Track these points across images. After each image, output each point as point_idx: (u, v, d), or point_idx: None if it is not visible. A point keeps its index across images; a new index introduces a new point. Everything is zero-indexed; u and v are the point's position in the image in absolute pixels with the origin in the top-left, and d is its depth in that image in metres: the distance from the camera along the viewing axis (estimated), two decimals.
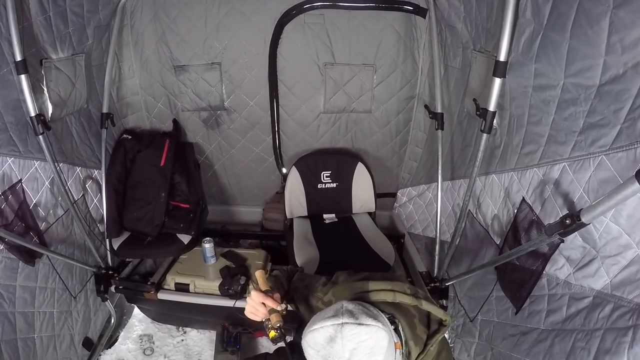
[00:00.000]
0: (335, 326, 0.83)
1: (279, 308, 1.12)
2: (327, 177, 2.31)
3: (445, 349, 1.04)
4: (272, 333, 1.12)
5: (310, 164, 2.29)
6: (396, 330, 0.94)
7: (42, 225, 1.62)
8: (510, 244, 1.35)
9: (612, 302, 0.93)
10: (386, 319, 0.89)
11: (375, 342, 0.82)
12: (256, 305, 1.12)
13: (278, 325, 1.11)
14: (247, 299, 1.14)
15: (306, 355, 0.88)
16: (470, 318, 1.67)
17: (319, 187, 2.31)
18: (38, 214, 1.60)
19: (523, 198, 1.28)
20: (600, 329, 0.94)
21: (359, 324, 0.82)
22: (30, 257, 1.53)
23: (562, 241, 1.04)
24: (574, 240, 1.04)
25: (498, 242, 1.46)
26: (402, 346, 0.93)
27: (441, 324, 0.99)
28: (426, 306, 0.98)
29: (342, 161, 2.32)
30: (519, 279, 1.29)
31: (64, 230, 1.77)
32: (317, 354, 0.84)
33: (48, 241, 1.66)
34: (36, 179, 1.58)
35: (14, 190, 1.45)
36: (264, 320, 1.13)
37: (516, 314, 1.33)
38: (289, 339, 1.15)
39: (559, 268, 1.12)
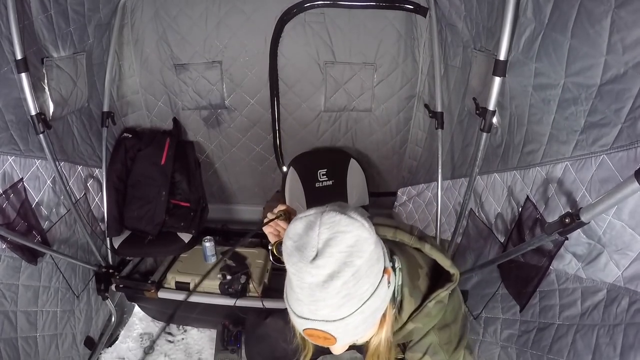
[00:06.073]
0: (317, 214, 0.72)
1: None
2: (323, 175, 2.31)
3: (456, 315, 0.92)
4: None
5: (306, 163, 2.29)
6: (393, 267, 0.81)
7: (45, 224, 1.62)
8: (515, 242, 1.34)
9: (627, 295, 0.92)
10: (373, 227, 0.74)
11: (355, 241, 0.69)
12: (274, 224, 1.07)
13: None
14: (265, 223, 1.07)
15: (284, 248, 0.75)
16: (473, 316, 1.67)
17: (317, 185, 2.30)
18: (41, 212, 1.60)
19: (527, 196, 1.27)
20: (620, 324, 0.93)
21: (342, 213, 0.71)
22: (32, 256, 1.53)
23: (567, 238, 1.03)
24: (578, 237, 1.03)
25: (502, 240, 1.45)
26: (394, 275, 0.81)
27: (447, 280, 0.86)
28: (430, 251, 0.85)
29: (335, 159, 2.33)
30: (524, 276, 1.29)
31: (67, 229, 1.77)
32: (293, 244, 0.72)
33: (51, 240, 1.65)
34: (38, 177, 1.57)
35: (16, 189, 1.45)
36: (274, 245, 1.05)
37: (520, 311, 1.32)
38: None
39: (566, 264, 1.12)
